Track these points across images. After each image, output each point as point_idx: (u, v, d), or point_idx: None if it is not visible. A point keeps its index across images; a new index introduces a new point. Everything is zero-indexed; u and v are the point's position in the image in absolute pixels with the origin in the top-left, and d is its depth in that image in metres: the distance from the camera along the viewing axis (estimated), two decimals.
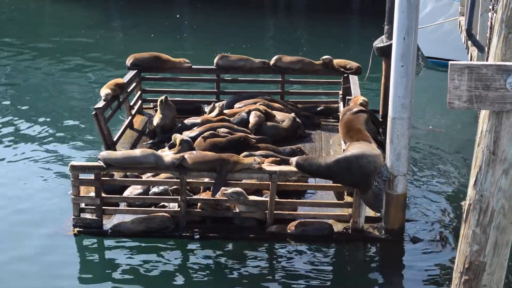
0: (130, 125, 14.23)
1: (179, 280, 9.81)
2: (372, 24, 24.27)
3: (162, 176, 11.13)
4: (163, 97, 13.73)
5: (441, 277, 9.81)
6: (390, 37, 12.11)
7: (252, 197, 10.78)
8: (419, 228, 11.00)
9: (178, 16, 30.15)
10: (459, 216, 11.39)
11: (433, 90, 19.66)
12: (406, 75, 9.90)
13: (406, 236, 10.67)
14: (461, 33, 14.46)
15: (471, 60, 11.67)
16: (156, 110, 14.23)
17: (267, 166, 10.76)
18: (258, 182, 10.72)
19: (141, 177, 11.34)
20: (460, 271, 5.44)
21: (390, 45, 10.79)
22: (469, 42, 11.71)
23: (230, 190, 10.48)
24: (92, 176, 10.63)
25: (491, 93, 5.06)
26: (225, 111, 14.05)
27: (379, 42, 13.58)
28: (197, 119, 13.59)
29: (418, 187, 12.70)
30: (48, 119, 16.43)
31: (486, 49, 9.65)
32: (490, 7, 10.26)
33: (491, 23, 9.74)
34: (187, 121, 13.61)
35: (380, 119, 13.07)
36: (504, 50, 5.07)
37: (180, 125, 13.57)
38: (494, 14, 9.29)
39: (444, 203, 12.13)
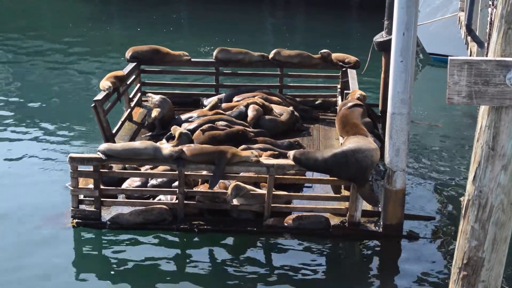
0: (129, 118, 14.24)
1: (177, 271, 9.84)
2: (371, 19, 24.26)
3: (161, 168, 11.15)
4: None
5: (439, 272, 9.83)
6: (390, 32, 12.13)
7: (250, 187, 10.78)
8: (417, 223, 11.03)
9: (174, 16, 30.03)
10: (458, 212, 11.42)
11: (433, 85, 19.68)
12: (406, 71, 9.88)
13: (405, 231, 10.67)
14: (460, 28, 14.46)
15: (470, 55, 11.68)
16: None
17: (265, 160, 10.78)
18: (256, 175, 10.73)
19: (140, 170, 11.35)
20: (458, 266, 5.45)
21: (390, 40, 10.79)
22: (469, 38, 11.70)
23: (229, 188, 10.47)
24: (91, 168, 10.64)
25: (490, 89, 5.06)
26: (223, 105, 14.06)
27: (379, 37, 13.60)
28: (193, 113, 13.60)
29: (417, 182, 12.72)
30: (47, 111, 16.44)
31: (486, 45, 9.64)
32: (490, 2, 10.25)
33: (491, 18, 9.74)
34: (183, 116, 13.59)
35: (379, 114, 13.09)
36: (504, 45, 5.07)
37: (176, 117, 13.58)
38: (494, 10, 9.27)
39: (443, 199, 12.15)
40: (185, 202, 10.71)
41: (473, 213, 5.29)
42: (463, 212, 5.38)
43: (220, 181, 10.66)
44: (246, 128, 12.82)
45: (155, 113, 13.56)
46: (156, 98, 13.74)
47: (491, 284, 5.37)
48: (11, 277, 9.53)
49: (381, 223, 10.65)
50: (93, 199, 10.74)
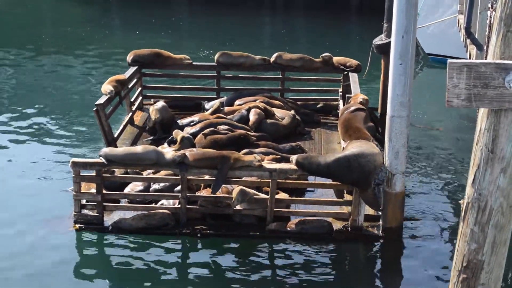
0: (131, 121, 14.26)
1: (179, 276, 9.85)
2: (371, 22, 24.28)
3: (163, 173, 11.16)
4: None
5: (439, 275, 9.83)
6: (389, 35, 12.14)
7: (254, 192, 10.78)
8: (417, 226, 11.03)
9: (174, 19, 30.00)
10: (457, 215, 11.42)
11: (432, 88, 19.69)
12: (405, 73, 9.90)
13: (405, 234, 10.69)
14: (460, 31, 14.47)
15: (470, 58, 11.69)
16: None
17: (267, 164, 10.78)
18: (258, 180, 10.74)
19: (142, 174, 11.37)
20: (458, 269, 5.44)
21: (389, 43, 10.79)
22: (468, 41, 11.72)
23: (235, 193, 10.46)
24: (93, 173, 10.66)
25: (489, 92, 5.06)
26: (225, 108, 14.08)
27: (379, 40, 13.62)
28: (195, 117, 13.62)
29: (416, 185, 12.72)
30: (48, 116, 16.44)
31: (485, 48, 9.65)
32: (489, 5, 10.29)
33: (490, 21, 9.76)
34: (184, 120, 13.61)
35: (379, 117, 13.09)
36: (503, 48, 5.07)
37: (178, 121, 13.61)
38: (493, 12, 9.30)
39: (442, 202, 12.15)
40: (188, 206, 10.71)
41: (473, 216, 5.29)
42: (462, 215, 5.38)
43: (223, 185, 10.67)
44: (248, 132, 12.83)
45: (153, 117, 13.59)
46: (157, 103, 13.84)
47: (490, 287, 5.37)
48: (12, 281, 9.54)
49: (381, 226, 10.65)
50: (95, 203, 10.76)
